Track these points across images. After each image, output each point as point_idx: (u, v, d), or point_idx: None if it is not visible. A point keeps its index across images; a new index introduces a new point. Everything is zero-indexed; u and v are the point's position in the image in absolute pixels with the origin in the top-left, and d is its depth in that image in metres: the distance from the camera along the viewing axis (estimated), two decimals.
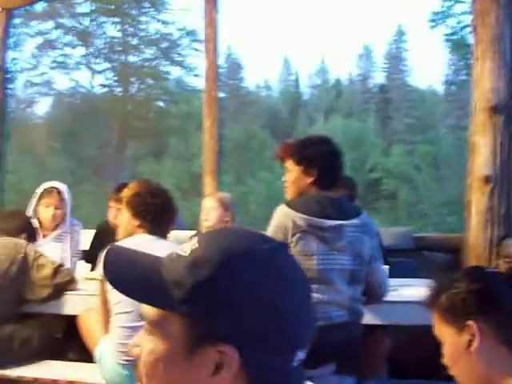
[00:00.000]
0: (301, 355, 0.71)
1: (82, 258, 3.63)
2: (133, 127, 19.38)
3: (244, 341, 0.67)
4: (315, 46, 70.64)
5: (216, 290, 0.67)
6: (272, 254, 0.71)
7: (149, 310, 0.71)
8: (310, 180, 2.42)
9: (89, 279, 3.05)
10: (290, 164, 2.49)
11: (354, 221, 2.38)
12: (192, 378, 0.69)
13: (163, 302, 0.69)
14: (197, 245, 0.71)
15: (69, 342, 3.05)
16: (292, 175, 2.47)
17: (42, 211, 3.38)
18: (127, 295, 0.71)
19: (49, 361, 2.85)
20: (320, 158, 2.42)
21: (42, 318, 2.96)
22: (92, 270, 3.45)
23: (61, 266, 2.86)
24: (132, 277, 0.72)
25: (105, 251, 0.75)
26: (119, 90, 20.10)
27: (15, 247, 2.78)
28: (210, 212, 3.43)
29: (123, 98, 19.68)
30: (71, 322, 2.79)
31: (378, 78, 37.86)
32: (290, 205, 2.38)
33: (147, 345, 0.71)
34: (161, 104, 20.94)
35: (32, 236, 3.02)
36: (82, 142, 19.22)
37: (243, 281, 0.68)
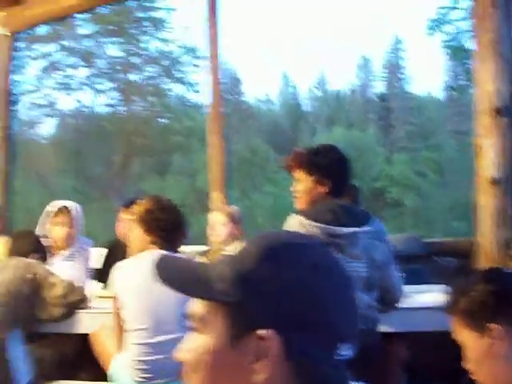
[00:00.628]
0: (346, 351, 0.73)
1: (92, 277, 3.62)
2: (137, 145, 19.43)
3: (284, 327, 0.70)
4: (314, 59, 70.99)
5: (256, 279, 0.72)
6: (312, 249, 0.76)
7: (195, 308, 0.77)
8: (323, 189, 2.41)
9: (101, 297, 3.05)
10: (300, 174, 2.46)
11: (367, 227, 2.36)
12: (236, 366, 0.72)
13: (209, 294, 0.74)
14: (244, 244, 0.78)
15: (82, 362, 3.03)
16: (304, 185, 2.45)
17: (53, 230, 3.37)
18: (177, 290, 0.77)
19: (61, 381, 2.82)
20: (332, 166, 2.42)
21: (55, 338, 2.94)
22: (104, 288, 3.44)
23: (73, 284, 2.85)
24: (182, 275, 0.78)
25: (153, 259, 0.83)
26: (122, 108, 20.20)
27: (26, 267, 2.77)
28: (220, 226, 3.41)
29: (126, 117, 19.77)
30: (84, 340, 2.78)
31: (378, 87, 37.99)
32: (303, 214, 2.36)
33: (194, 342, 0.76)
34: (163, 121, 21.02)
35: (43, 255, 3.02)
36: (87, 161, 19.28)
37: (282, 271, 0.72)
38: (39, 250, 3.01)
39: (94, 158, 19.13)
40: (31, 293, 2.73)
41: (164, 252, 2.44)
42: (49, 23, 5.96)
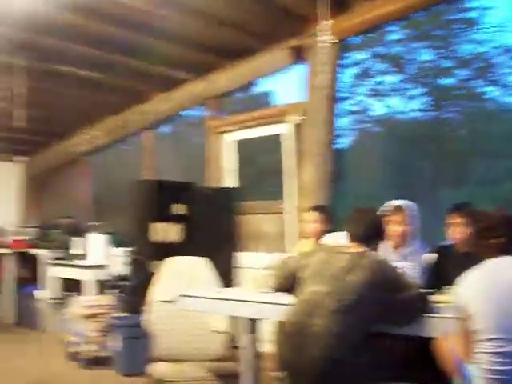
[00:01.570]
0: None
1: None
2: (446, 151, 18.94)
3: None
4: None
5: None
6: None
7: None
8: None
9: (438, 302, 2.98)
10: None
11: None
12: None
13: None
14: None
15: (417, 365, 2.97)
16: None
17: (388, 228, 3.37)
18: None
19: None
20: None
21: (391, 341, 2.85)
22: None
23: (422, 288, 2.76)
24: None
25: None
26: (433, 113, 19.89)
27: (378, 267, 2.66)
28: None
29: (437, 122, 19.43)
30: (424, 344, 2.72)
31: None
32: None
33: None
34: (476, 126, 20.03)
35: (376, 243, 2.87)
36: (395, 167, 19.49)
37: None
38: (378, 235, 2.88)
39: (403, 164, 19.24)
40: (379, 295, 2.62)
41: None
42: (373, 31, 6.03)
